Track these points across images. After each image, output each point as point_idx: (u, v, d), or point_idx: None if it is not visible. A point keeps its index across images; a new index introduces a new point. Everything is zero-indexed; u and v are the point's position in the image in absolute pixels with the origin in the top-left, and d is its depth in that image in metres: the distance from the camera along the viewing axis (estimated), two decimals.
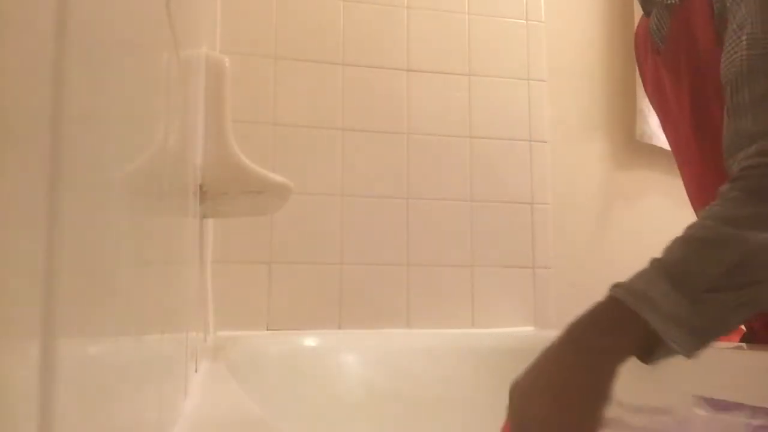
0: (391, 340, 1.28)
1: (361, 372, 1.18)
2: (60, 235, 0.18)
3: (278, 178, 1.04)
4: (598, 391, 0.56)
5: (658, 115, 1.05)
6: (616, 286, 0.60)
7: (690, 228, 0.62)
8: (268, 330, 1.35)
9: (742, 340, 0.97)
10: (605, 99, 1.64)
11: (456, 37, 1.54)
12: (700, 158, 0.89)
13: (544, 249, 1.52)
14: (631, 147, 1.61)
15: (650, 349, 0.59)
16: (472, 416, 1.18)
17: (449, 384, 1.19)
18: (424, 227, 1.46)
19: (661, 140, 1.56)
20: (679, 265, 0.59)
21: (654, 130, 1.57)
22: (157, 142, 0.39)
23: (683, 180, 0.98)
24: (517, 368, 1.00)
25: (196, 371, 0.75)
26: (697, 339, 0.58)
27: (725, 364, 0.83)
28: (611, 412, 0.55)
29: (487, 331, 1.41)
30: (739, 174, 0.64)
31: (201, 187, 0.94)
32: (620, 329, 0.58)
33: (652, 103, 1.07)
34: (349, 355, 1.20)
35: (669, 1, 0.88)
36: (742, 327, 0.98)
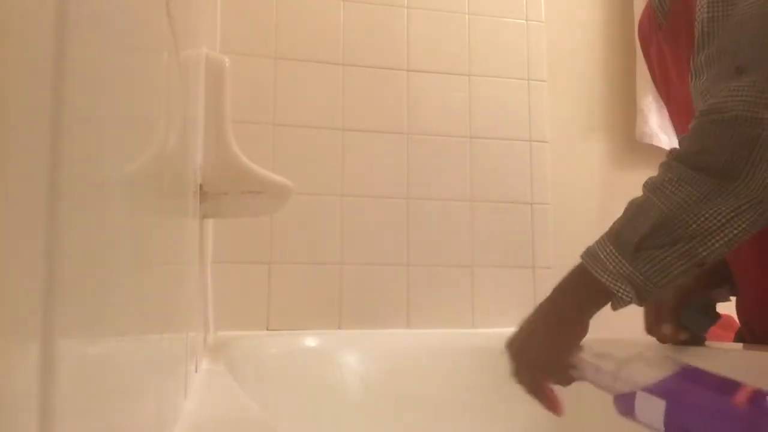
0: (391, 340, 1.28)
1: (361, 372, 1.18)
2: (60, 235, 0.18)
3: (278, 178, 1.04)
4: (569, 339, 0.70)
5: (664, 102, 1.04)
6: (585, 251, 0.72)
7: (639, 196, 0.72)
8: (268, 330, 1.35)
9: (736, 340, 0.97)
10: (605, 99, 1.64)
11: (456, 37, 1.54)
12: None
13: (544, 249, 1.52)
14: (631, 147, 1.61)
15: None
16: (472, 416, 1.18)
17: (449, 384, 1.19)
18: (424, 227, 1.46)
19: (662, 141, 1.56)
20: (618, 228, 0.70)
21: (654, 130, 1.57)
22: (157, 142, 0.39)
23: None
24: None
25: (196, 371, 0.75)
26: (641, 291, 0.68)
27: (721, 364, 0.83)
28: (582, 355, 0.69)
29: (487, 331, 1.41)
30: (678, 141, 0.74)
31: (201, 187, 0.94)
32: (585, 287, 0.71)
33: (657, 89, 1.07)
34: (349, 355, 1.20)
35: None
36: (737, 321, 0.97)
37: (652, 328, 0.91)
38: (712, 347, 0.89)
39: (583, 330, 0.71)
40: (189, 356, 0.64)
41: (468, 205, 1.49)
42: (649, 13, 0.99)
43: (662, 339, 0.91)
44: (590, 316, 0.71)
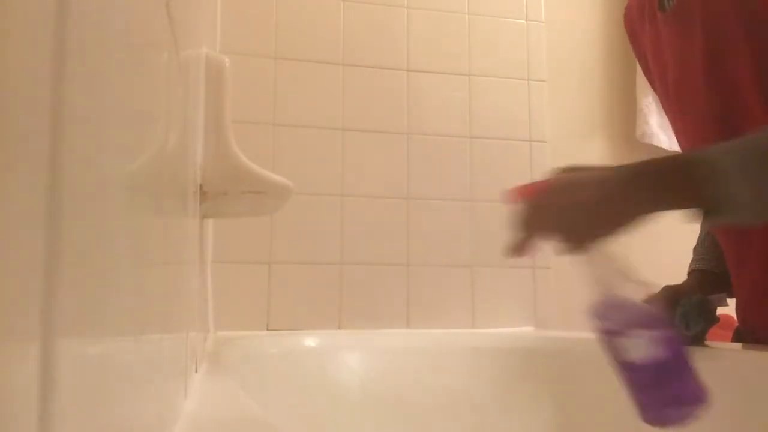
0: (391, 340, 1.28)
1: (361, 372, 1.18)
2: (60, 235, 0.18)
3: (278, 178, 1.04)
4: (613, 222, 0.60)
5: (659, 88, 1.01)
6: (697, 156, 0.60)
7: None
8: (268, 330, 1.35)
9: (734, 339, 0.97)
10: (605, 99, 1.64)
11: (456, 37, 1.54)
12: (710, 115, 0.84)
13: (543, 249, 1.52)
14: (631, 147, 1.61)
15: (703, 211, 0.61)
16: (472, 416, 1.18)
17: (449, 384, 1.19)
18: (424, 227, 1.46)
19: (662, 140, 1.56)
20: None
21: (654, 130, 1.57)
22: (157, 142, 0.39)
23: (683, 147, 0.95)
24: (517, 368, 1.00)
25: (196, 371, 0.75)
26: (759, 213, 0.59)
27: (721, 364, 0.83)
28: (607, 251, 0.60)
29: (487, 331, 1.41)
30: None
31: (201, 187, 0.94)
32: (682, 190, 0.60)
33: (648, 77, 1.05)
34: (349, 355, 1.20)
35: None
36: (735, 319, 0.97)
37: None
38: (711, 347, 0.89)
39: (636, 226, 0.61)
40: (189, 356, 0.64)
41: (468, 205, 1.49)
42: (639, 1, 0.98)
43: None
44: (652, 217, 0.62)
